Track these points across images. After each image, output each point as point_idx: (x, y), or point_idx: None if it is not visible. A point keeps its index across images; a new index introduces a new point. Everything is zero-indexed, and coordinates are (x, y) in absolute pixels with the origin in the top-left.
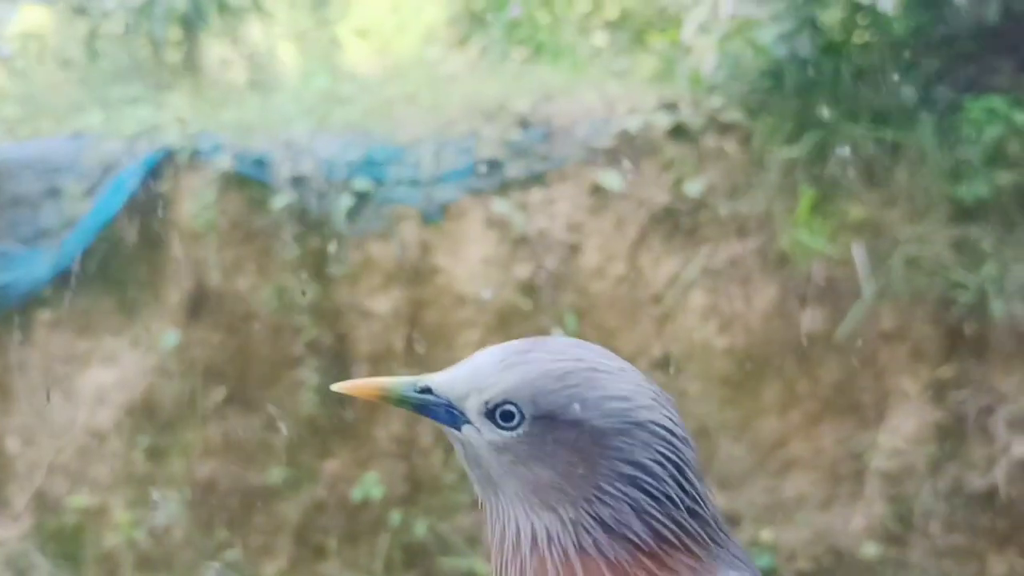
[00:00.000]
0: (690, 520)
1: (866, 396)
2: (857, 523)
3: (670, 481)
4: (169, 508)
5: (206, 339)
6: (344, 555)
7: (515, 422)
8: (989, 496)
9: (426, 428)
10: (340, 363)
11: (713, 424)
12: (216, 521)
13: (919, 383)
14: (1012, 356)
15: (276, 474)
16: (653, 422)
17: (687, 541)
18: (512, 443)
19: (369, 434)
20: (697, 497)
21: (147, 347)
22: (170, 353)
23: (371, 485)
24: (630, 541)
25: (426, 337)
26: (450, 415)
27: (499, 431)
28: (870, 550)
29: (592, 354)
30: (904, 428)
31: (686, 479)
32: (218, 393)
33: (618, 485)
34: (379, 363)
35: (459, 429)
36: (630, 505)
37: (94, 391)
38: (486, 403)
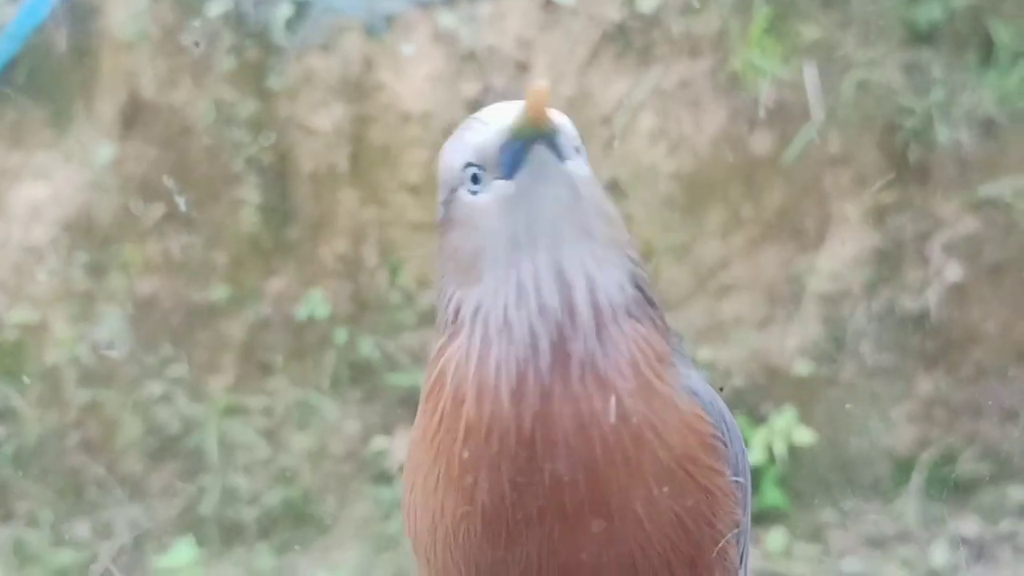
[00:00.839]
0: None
1: (808, 220)
2: (792, 343)
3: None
4: (111, 324)
5: (142, 154)
6: (291, 372)
7: (582, 160)
8: (920, 318)
9: (372, 247)
10: (281, 181)
11: (657, 247)
12: (159, 337)
13: (861, 208)
14: (953, 182)
15: (219, 292)
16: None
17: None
18: (591, 180)
19: (313, 253)
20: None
21: (81, 161)
22: (105, 168)
23: (316, 303)
24: (648, 304)
25: (370, 156)
26: (566, 151)
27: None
28: (803, 368)
29: None
30: (843, 252)
31: None
32: (156, 210)
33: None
34: (322, 182)
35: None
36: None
37: (27, 207)
38: (573, 140)
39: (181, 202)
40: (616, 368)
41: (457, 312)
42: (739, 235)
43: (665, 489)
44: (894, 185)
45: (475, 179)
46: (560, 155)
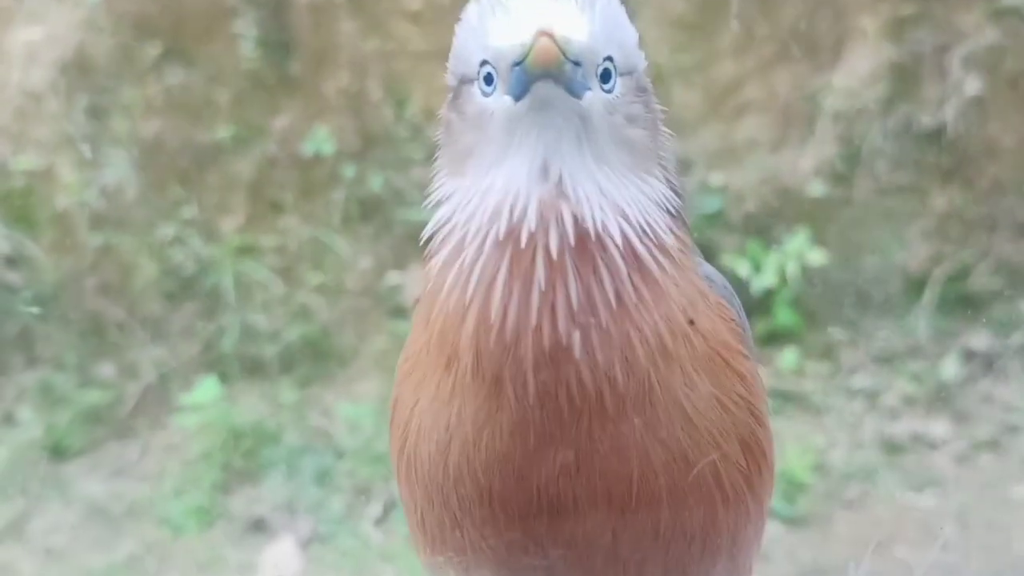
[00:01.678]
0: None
1: (824, 37)
2: (806, 164)
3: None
4: (117, 167)
5: None
6: (301, 209)
7: (612, 81)
8: (937, 134)
9: (375, 81)
10: (279, 13)
11: (668, 69)
12: (168, 179)
13: (879, 21)
14: None
15: (224, 131)
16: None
17: (686, 228)
18: (618, 103)
19: (316, 89)
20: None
21: (73, 1)
22: (98, 6)
23: (322, 140)
24: (676, 217)
25: None
26: (580, 84)
27: (605, 92)
28: (817, 189)
29: None
30: (859, 68)
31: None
32: (153, 48)
33: (668, 155)
34: (320, 13)
35: (581, 97)
36: (676, 181)
37: (23, 50)
38: (600, 63)
39: None
40: (646, 253)
41: (440, 205)
42: (752, 55)
43: (704, 376)
44: None
45: (488, 79)
46: (573, 89)
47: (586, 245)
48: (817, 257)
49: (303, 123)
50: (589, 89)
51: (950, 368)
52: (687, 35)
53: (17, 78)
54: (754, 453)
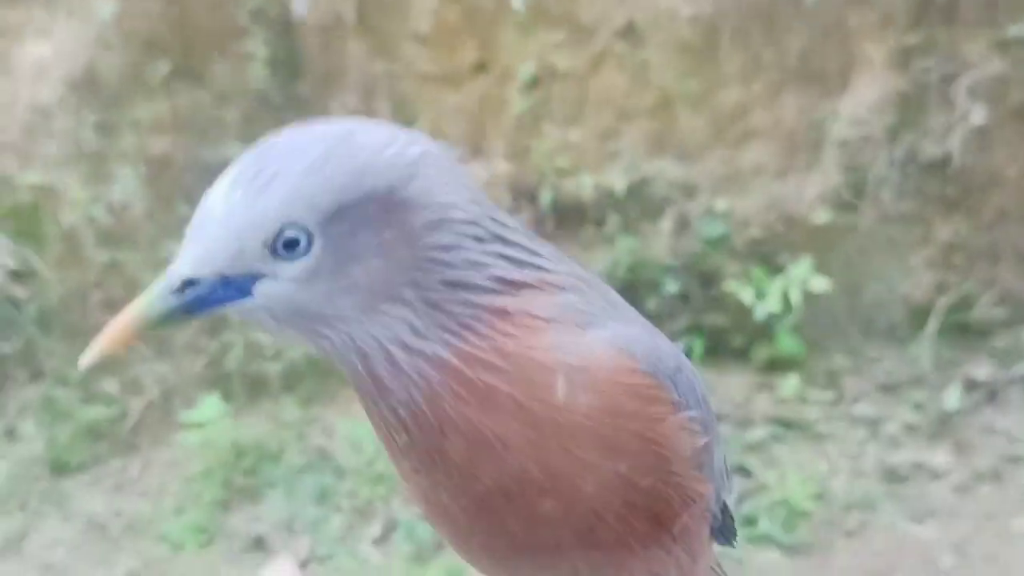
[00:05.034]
0: (525, 247)
1: (831, 64)
2: (811, 191)
3: (484, 211)
4: (125, 184)
5: (144, 9)
6: None
7: (305, 242)
8: (943, 164)
9: (383, 101)
10: (288, 33)
11: (674, 95)
12: (174, 196)
13: (885, 50)
14: (980, 22)
15: (231, 149)
16: (428, 152)
17: (535, 274)
18: (317, 265)
19: (324, 109)
20: (513, 223)
21: (83, 18)
22: (108, 24)
23: None
24: (479, 291)
25: (378, 4)
26: (234, 289)
27: (295, 263)
28: (821, 216)
29: (324, 126)
30: (866, 96)
31: (492, 207)
32: (162, 66)
33: (438, 237)
34: (330, 34)
35: (253, 294)
36: (462, 257)
37: (32, 66)
38: (265, 242)
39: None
40: (477, 362)
41: None
42: (759, 81)
43: (599, 452)
44: (920, 26)
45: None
46: (224, 298)
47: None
48: (820, 284)
49: None
50: (256, 279)
51: (952, 397)
52: (693, 61)
53: (26, 94)
54: (669, 503)
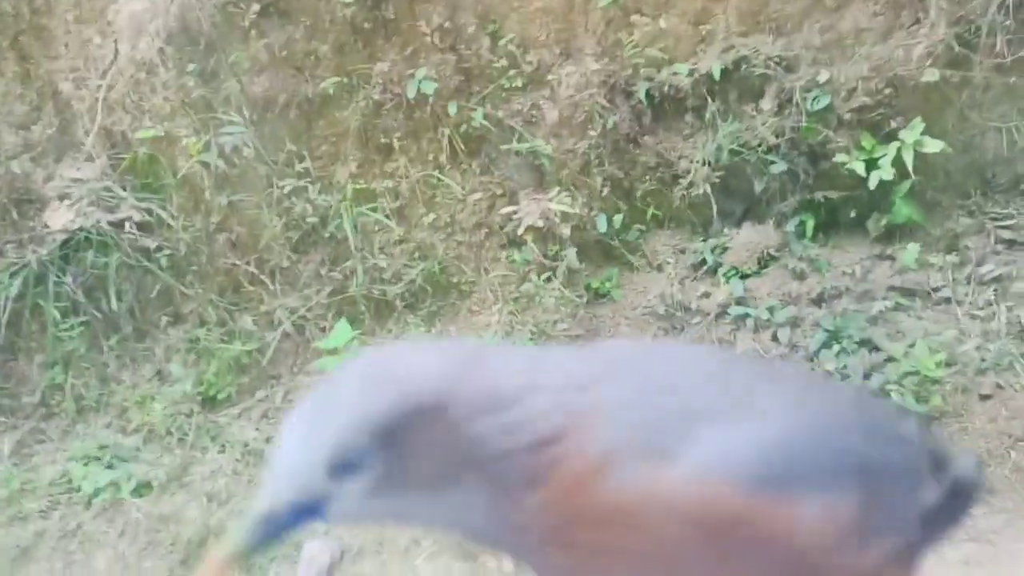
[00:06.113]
0: (549, 389)
1: None
2: (919, 50)
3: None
4: (233, 128)
5: None
6: (409, 151)
7: (363, 461)
8: None
9: (468, 15)
10: None
11: None
12: (281, 134)
13: None
14: None
15: (328, 81)
16: (450, 360)
17: (567, 418)
18: (379, 476)
19: (413, 30)
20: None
21: None
22: None
23: (423, 80)
24: (524, 452)
25: None
26: (311, 512)
27: (358, 480)
28: (932, 75)
29: (362, 362)
30: None
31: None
32: (251, 7)
33: (470, 427)
34: None
35: (326, 514)
36: (495, 437)
37: (129, 22)
38: (328, 470)
39: None
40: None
41: None
42: None
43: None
44: None
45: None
46: (314, 516)
47: None
48: (935, 145)
49: (403, 65)
50: (328, 500)
51: None
52: None
53: (126, 50)
54: None
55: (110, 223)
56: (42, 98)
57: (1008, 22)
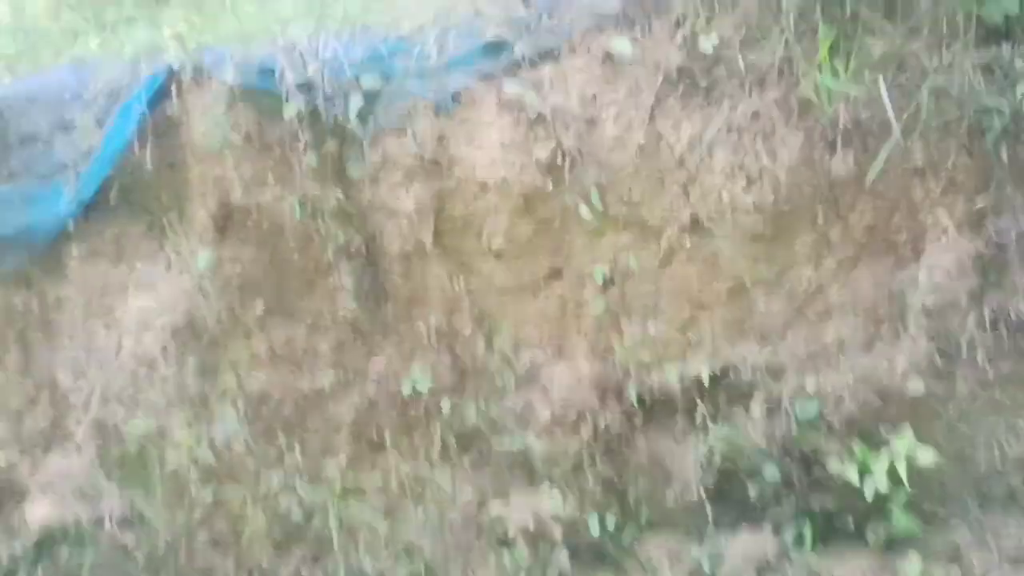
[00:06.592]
0: None
1: (901, 235)
2: (901, 362)
3: None
4: (226, 422)
5: (238, 255)
6: (401, 446)
7: None
8: None
9: (465, 316)
10: (372, 264)
11: (747, 280)
12: (273, 428)
13: (956, 215)
14: None
15: (325, 377)
16: None
17: None
18: None
19: (411, 330)
20: None
21: (181, 269)
22: (204, 273)
23: (418, 377)
24: None
25: (454, 228)
26: None
27: None
28: (916, 386)
29: None
30: (943, 262)
31: None
32: (257, 307)
33: None
34: (411, 260)
35: None
36: None
37: (136, 318)
38: None
39: None
40: None
41: None
42: (831, 259)
43: None
44: (988, 188)
45: None
46: None
47: None
48: (927, 456)
49: (399, 363)
50: None
51: None
52: (762, 246)
53: (130, 345)
54: None
55: (90, 518)
56: (39, 389)
57: (986, 338)
